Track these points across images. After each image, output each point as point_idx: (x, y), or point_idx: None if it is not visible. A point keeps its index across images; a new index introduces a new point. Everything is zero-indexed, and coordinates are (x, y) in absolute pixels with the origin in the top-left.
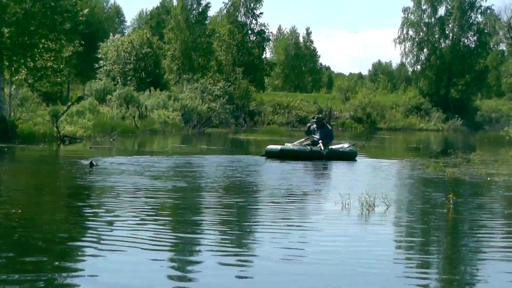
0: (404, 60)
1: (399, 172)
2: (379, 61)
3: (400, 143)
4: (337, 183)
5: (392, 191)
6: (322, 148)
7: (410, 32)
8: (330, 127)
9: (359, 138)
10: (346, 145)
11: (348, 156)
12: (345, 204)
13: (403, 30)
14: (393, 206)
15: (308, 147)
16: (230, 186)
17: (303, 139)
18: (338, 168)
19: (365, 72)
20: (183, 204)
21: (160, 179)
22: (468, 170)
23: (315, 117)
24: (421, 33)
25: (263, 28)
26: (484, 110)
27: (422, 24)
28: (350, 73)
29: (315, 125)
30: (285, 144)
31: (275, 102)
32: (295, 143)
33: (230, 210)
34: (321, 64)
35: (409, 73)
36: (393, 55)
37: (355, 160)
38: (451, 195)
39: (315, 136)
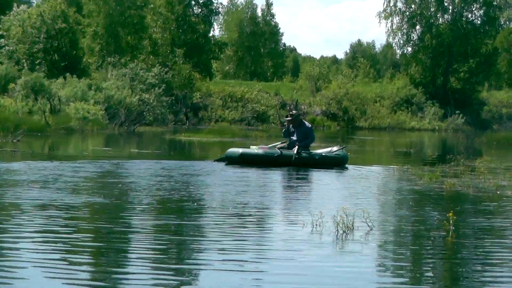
0: (391, 40)
1: (385, 183)
2: (359, 41)
3: (385, 146)
4: (307, 198)
5: (376, 208)
6: (295, 152)
7: (399, 4)
8: (309, 125)
9: (332, 140)
10: (335, 148)
11: (335, 162)
12: (316, 225)
13: (389, 2)
14: (377, 228)
15: (278, 150)
16: (165, 202)
17: (279, 142)
18: (311, 178)
19: (340, 55)
20: (99, 228)
21: (73, 193)
22: (472, 181)
23: (290, 114)
24: (412, 5)
25: None
26: (492, 104)
27: None
28: (322, 57)
29: (290, 125)
30: (250, 147)
31: (226, 93)
32: (268, 146)
33: (163, 236)
34: (284, 45)
35: (397, 56)
36: (377, 34)
37: (346, 167)
38: (450, 214)
39: (292, 137)
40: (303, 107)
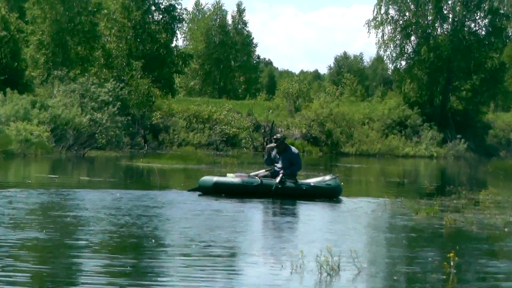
0: (381, 52)
1: (375, 218)
2: (345, 53)
3: (375, 176)
4: (286, 235)
5: (365, 248)
6: (278, 181)
7: (391, 11)
8: (295, 151)
9: (314, 168)
10: (328, 177)
11: (325, 193)
12: (296, 266)
13: (380, 8)
14: (366, 270)
15: (258, 179)
16: (120, 239)
17: (263, 170)
18: (292, 212)
19: (323, 70)
20: (39, 270)
21: (10, 227)
22: (476, 217)
23: (274, 139)
24: (407, 13)
25: (173, 2)
26: (498, 128)
27: None
28: (302, 72)
29: (275, 151)
30: (227, 174)
31: (191, 113)
32: (249, 173)
33: (115, 280)
34: (258, 58)
35: (389, 71)
36: (366, 45)
37: (339, 199)
38: (451, 254)
39: (276, 164)
40: (279, 129)
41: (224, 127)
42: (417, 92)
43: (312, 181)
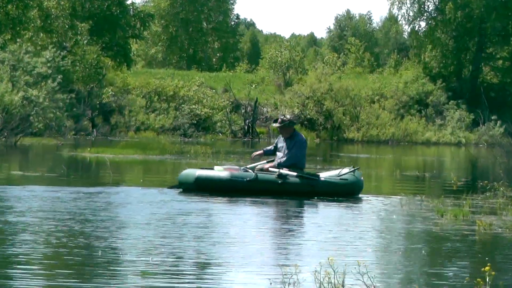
0: (395, 11)
1: (390, 222)
2: (348, 12)
3: (388, 168)
4: (279, 244)
5: (377, 260)
6: (277, 175)
7: None
8: (303, 138)
9: (308, 160)
10: (345, 170)
11: (340, 190)
12: (289, 284)
13: None
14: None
15: (252, 173)
16: (60, 248)
17: (265, 161)
18: (289, 214)
19: (321, 34)
20: None
21: None
22: None
23: (281, 119)
24: None
25: None
26: None
27: None
28: (293, 36)
29: (280, 136)
30: (214, 167)
31: (152, 89)
32: (243, 166)
33: None
34: (237, 18)
35: (405, 35)
36: (375, 2)
37: (358, 198)
38: (487, 268)
39: (279, 153)
40: (265, 109)
41: (194, 106)
42: (440, 61)
43: (325, 175)
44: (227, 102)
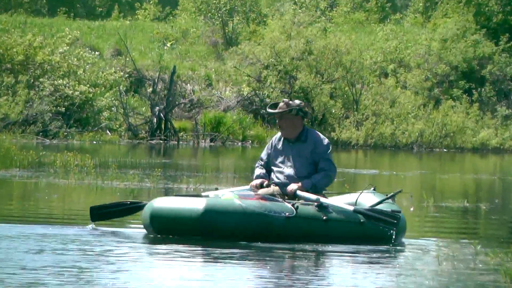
0: None
1: (433, 277)
2: None
3: (414, 194)
4: None
5: None
6: (311, 197)
7: None
8: (321, 136)
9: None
10: (376, 196)
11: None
12: None
13: None
14: None
15: (280, 199)
16: None
17: (246, 186)
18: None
19: None
20: None
21: None
22: None
23: (284, 103)
24: None
25: None
26: None
27: None
28: None
29: (275, 138)
30: (216, 188)
31: None
32: (239, 188)
33: None
34: None
35: None
36: None
37: (393, 243)
38: None
39: (281, 168)
40: (189, 87)
41: (61, 82)
42: (507, 2)
43: (348, 200)
44: (121, 74)
